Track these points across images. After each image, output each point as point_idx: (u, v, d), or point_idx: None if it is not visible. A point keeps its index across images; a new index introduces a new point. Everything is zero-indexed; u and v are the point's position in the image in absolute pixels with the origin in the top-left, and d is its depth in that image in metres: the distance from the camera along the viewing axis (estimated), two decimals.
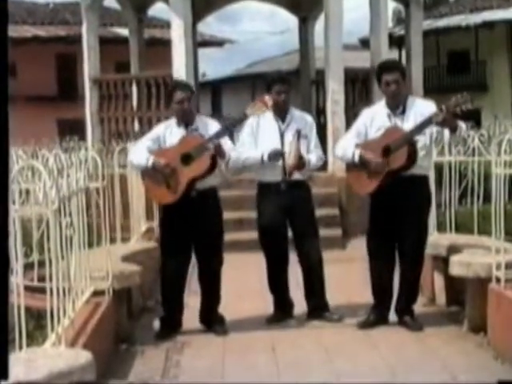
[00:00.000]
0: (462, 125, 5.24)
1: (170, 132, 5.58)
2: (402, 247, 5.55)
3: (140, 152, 5.55)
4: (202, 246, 5.55)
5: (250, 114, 5.50)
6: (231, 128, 5.71)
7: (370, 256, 5.65)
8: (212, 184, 5.58)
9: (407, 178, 5.37)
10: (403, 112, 5.44)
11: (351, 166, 5.58)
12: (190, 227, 5.48)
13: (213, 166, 5.40)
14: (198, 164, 5.35)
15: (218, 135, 5.42)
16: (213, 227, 5.56)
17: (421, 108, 5.42)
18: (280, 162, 5.66)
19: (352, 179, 5.68)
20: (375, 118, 5.53)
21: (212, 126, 5.58)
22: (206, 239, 5.53)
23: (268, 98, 5.52)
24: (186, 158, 5.36)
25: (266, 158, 5.62)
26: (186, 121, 5.55)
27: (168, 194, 5.44)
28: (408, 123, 5.37)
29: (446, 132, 5.27)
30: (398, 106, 5.46)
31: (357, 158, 5.44)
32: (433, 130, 5.35)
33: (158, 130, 5.70)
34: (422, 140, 5.39)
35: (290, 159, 5.59)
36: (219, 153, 5.38)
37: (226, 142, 5.51)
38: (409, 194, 5.40)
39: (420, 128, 5.29)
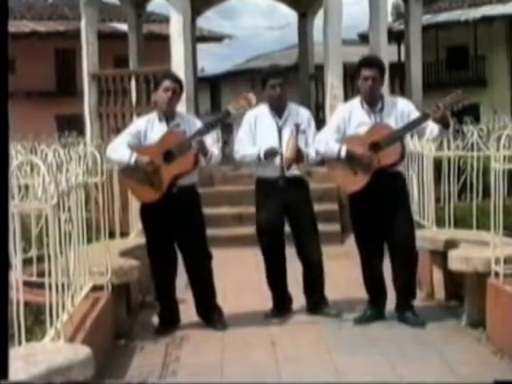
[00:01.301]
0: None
1: (151, 127, 5.47)
2: (393, 243, 5.48)
3: (120, 148, 5.41)
4: (186, 242, 5.49)
5: (232, 111, 5.36)
6: (213, 126, 5.51)
7: (361, 254, 5.64)
8: (191, 181, 5.51)
9: (387, 174, 5.34)
10: (382, 110, 5.43)
11: (334, 162, 5.49)
12: (172, 224, 5.42)
13: (195, 164, 5.35)
14: (180, 162, 5.28)
15: (200, 133, 5.33)
16: (194, 223, 5.49)
17: (400, 106, 5.45)
18: (278, 158, 5.62)
19: (337, 176, 5.59)
20: (353, 114, 5.48)
21: (193, 123, 5.51)
22: (188, 235, 5.47)
23: (252, 96, 5.40)
24: (169, 156, 5.28)
25: (262, 155, 5.58)
26: (167, 115, 5.45)
27: (152, 192, 5.34)
28: (389, 120, 5.38)
29: (436, 129, 5.28)
30: (375, 103, 5.44)
31: (343, 154, 5.37)
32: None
33: (139, 124, 5.57)
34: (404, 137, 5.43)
35: (288, 152, 5.53)
36: (202, 151, 5.31)
37: (207, 139, 5.41)
38: (391, 190, 5.39)
39: (413, 125, 5.31)
